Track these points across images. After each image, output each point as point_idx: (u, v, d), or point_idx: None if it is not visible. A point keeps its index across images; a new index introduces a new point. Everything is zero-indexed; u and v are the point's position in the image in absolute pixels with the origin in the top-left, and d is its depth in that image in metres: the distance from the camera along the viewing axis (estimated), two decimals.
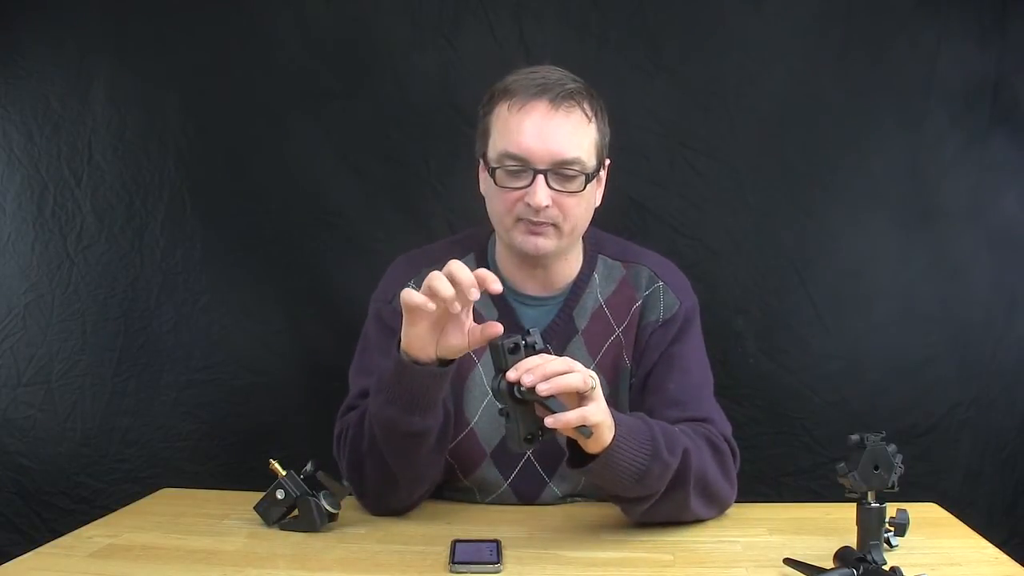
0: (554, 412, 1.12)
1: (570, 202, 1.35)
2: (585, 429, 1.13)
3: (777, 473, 1.97)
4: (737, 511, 1.42)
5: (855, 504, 1.14)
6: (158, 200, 2.03)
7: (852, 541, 1.14)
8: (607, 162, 1.43)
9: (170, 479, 1.81)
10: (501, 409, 1.15)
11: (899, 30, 1.93)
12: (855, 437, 1.14)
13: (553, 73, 1.36)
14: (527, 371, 1.11)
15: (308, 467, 1.35)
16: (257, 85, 2.01)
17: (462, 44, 1.97)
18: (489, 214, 1.42)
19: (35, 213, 2.04)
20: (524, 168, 1.33)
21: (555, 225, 1.36)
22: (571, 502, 1.50)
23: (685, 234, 1.97)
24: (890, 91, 1.94)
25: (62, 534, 1.33)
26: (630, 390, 1.47)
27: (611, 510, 1.38)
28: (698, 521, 1.36)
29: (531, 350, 1.15)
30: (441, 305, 1.16)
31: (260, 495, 1.36)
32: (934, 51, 1.93)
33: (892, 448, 1.13)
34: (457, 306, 1.15)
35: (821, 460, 1.95)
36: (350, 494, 1.38)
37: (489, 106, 1.38)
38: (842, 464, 1.13)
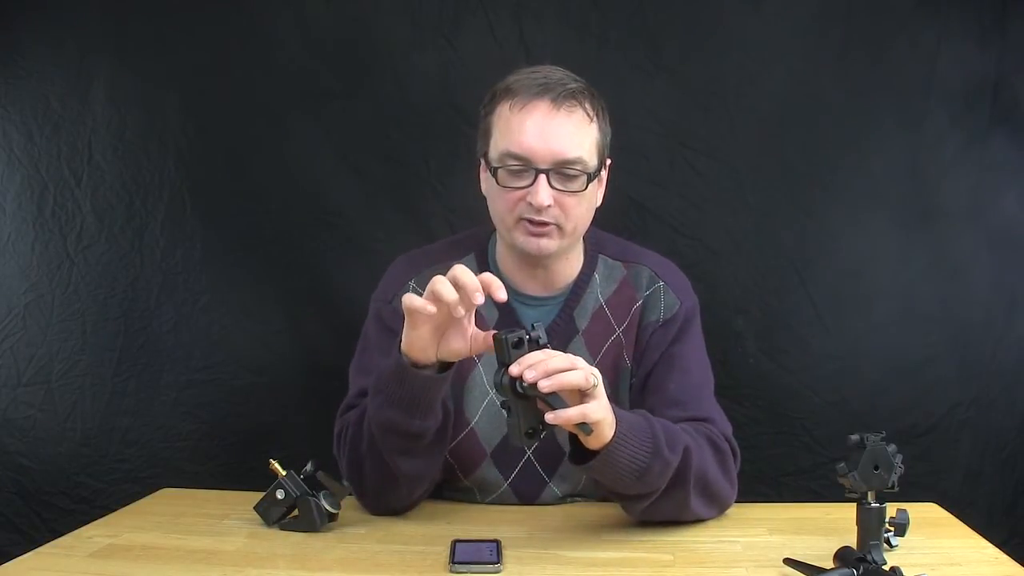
0: (555, 408, 1.12)
1: (572, 202, 1.35)
2: (586, 426, 1.14)
3: (777, 473, 1.97)
4: (737, 511, 1.42)
5: (855, 504, 1.14)
6: (158, 200, 2.03)
7: (852, 541, 1.14)
8: (608, 162, 1.43)
9: (170, 479, 1.80)
10: (503, 402, 1.15)
11: (899, 30, 1.93)
12: (855, 437, 1.14)
13: (555, 73, 1.36)
14: (529, 367, 1.11)
15: (308, 467, 1.35)
16: (257, 85, 2.01)
17: (462, 44, 1.97)
18: (491, 214, 1.42)
19: (35, 213, 2.04)
20: (526, 168, 1.33)
21: (557, 225, 1.35)
22: (571, 502, 1.50)
23: (685, 234, 1.97)
24: (890, 91, 1.94)
25: (62, 534, 1.33)
26: (630, 390, 1.47)
27: (611, 510, 1.39)
28: (698, 521, 1.36)
29: (535, 344, 1.15)
30: (444, 309, 1.15)
31: (260, 495, 1.36)
32: (934, 51, 1.93)
33: (892, 448, 1.13)
34: (460, 310, 1.15)
35: (821, 460, 1.95)
36: (350, 494, 1.38)
37: (490, 106, 1.38)
38: (842, 464, 1.13)
